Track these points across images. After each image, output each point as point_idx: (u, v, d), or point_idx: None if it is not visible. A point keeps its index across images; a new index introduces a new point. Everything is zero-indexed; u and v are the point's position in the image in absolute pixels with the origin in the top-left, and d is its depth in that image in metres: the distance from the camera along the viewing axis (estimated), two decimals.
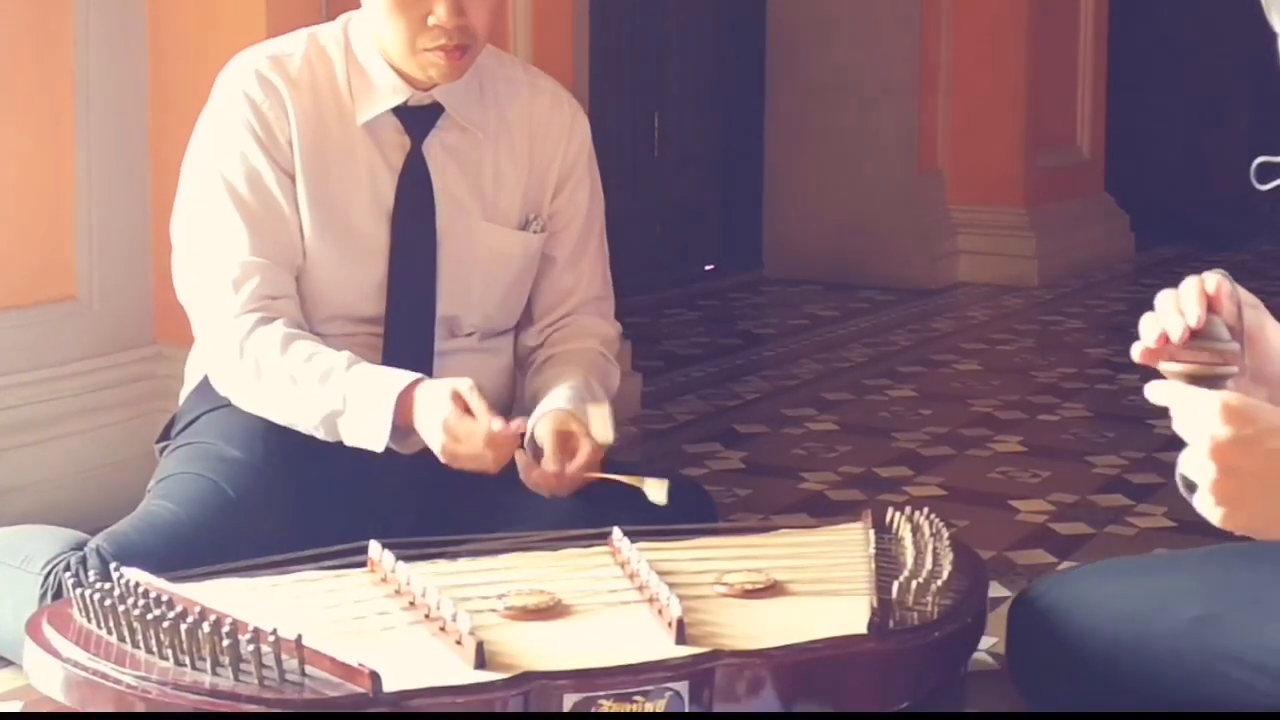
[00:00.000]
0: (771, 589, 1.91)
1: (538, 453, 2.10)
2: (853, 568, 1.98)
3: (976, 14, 5.65)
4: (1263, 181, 1.57)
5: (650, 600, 1.83)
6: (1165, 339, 1.47)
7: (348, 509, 2.18)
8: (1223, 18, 6.36)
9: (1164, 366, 1.45)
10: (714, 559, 2.00)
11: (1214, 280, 1.51)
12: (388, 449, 2.09)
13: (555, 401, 2.16)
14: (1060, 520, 2.89)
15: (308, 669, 1.63)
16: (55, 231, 2.84)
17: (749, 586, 1.90)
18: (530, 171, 2.33)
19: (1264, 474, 1.30)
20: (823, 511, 2.89)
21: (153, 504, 2.14)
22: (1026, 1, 5.64)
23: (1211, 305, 1.49)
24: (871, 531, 2.09)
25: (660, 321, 4.89)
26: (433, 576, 1.87)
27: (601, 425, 2.09)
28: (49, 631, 1.76)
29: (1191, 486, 1.33)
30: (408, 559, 1.91)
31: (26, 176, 2.79)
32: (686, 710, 1.68)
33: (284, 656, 1.63)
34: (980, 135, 5.68)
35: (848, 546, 2.07)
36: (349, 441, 2.11)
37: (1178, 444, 1.36)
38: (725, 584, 1.91)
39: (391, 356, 2.24)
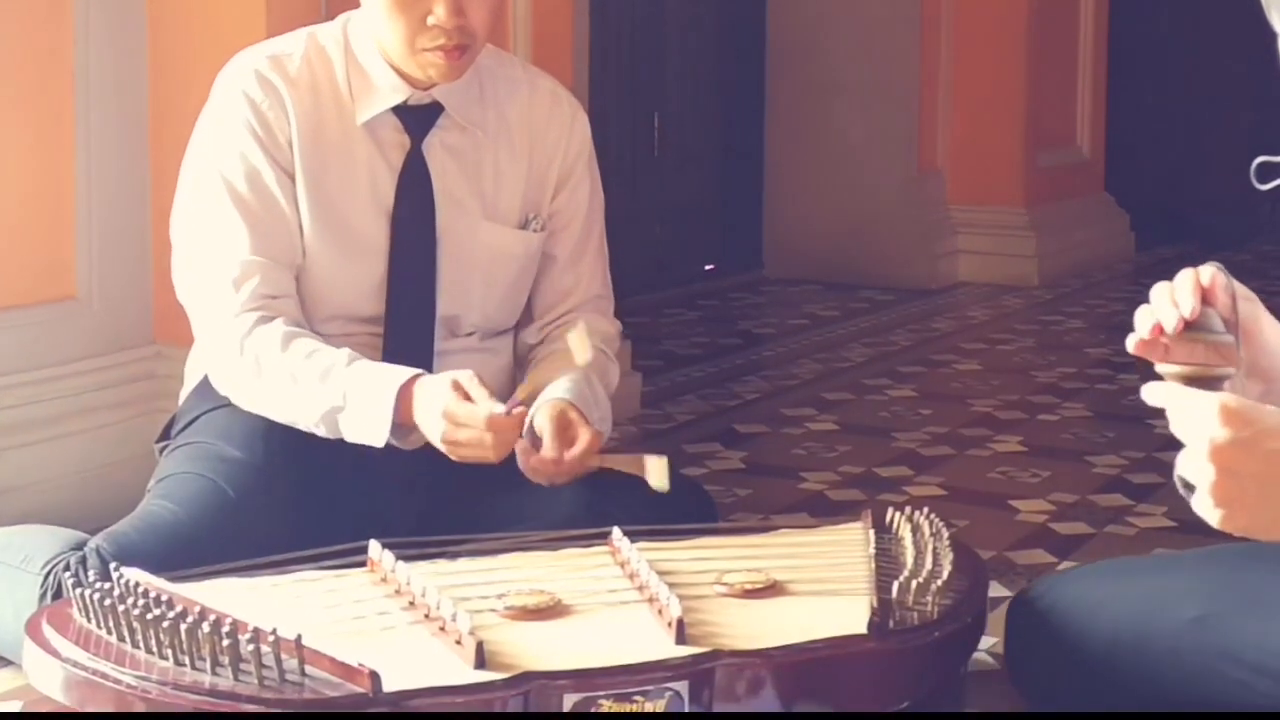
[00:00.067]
0: (771, 589, 1.91)
1: (537, 442, 2.10)
2: (853, 568, 1.98)
3: (976, 14, 5.65)
4: (1263, 181, 1.57)
5: (650, 600, 1.83)
6: (1159, 330, 1.48)
7: (348, 509, 2.18)
8: (1223, 18, 6.36)
9: (1161, 368, 1.45)
10: (714, 559, 2.00)
11: (1209, 272, 1.51)
12: (388, 445, 2.09)
13: (555, 391, 2.16)
14: (1060, 520, 2.89)
15: (307, 669, 1.63)
16: (55, 231, 2.84)
17: (749, 586, 1.90)
18: (530, 170, 2.33)
19: (1263, 475, 1.30)
20: (823, 511, 2.89)
21: (152, 504, 2.14)
22: (1026, 2, 5.64)
23: (1206, 297, 1.49)
24: (871, 531, 2.09)
25: (660, 321, 4.89)
26: (433, 576, 1.87)
27: (658, 473, 2.08)
28: (49, 631, 1.76)
29: (1190, 487, 1.33)
30: (408, 559, 1.91)
31: (26, 176, 2.79)
32: (686, 710, 1.68)
33: (284, 656, 1.63)
34: (980, 135, 5.68)
35: (848, 546, 2.07)
36: (350, 438, 2.11)
37: (1177, 444, 1.35)
38: (725, 584, 1.91)
39: (391, 356, 2.24)
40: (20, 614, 1.91)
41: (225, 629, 1.64)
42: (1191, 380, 1.42)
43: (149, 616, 1.67)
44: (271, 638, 1.63)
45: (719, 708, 1.70)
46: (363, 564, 1.93)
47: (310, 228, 2.22)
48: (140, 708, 1.62)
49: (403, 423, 2.08)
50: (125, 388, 2.92)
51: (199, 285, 2.21)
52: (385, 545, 1.91)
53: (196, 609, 1.71)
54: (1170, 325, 1.47)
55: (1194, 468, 1.31)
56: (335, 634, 1.72)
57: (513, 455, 2.06)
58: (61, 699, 1.71)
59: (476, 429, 2.01)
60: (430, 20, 2.15)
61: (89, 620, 1.75)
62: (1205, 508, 1.32)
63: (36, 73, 2.79)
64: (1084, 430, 3.58)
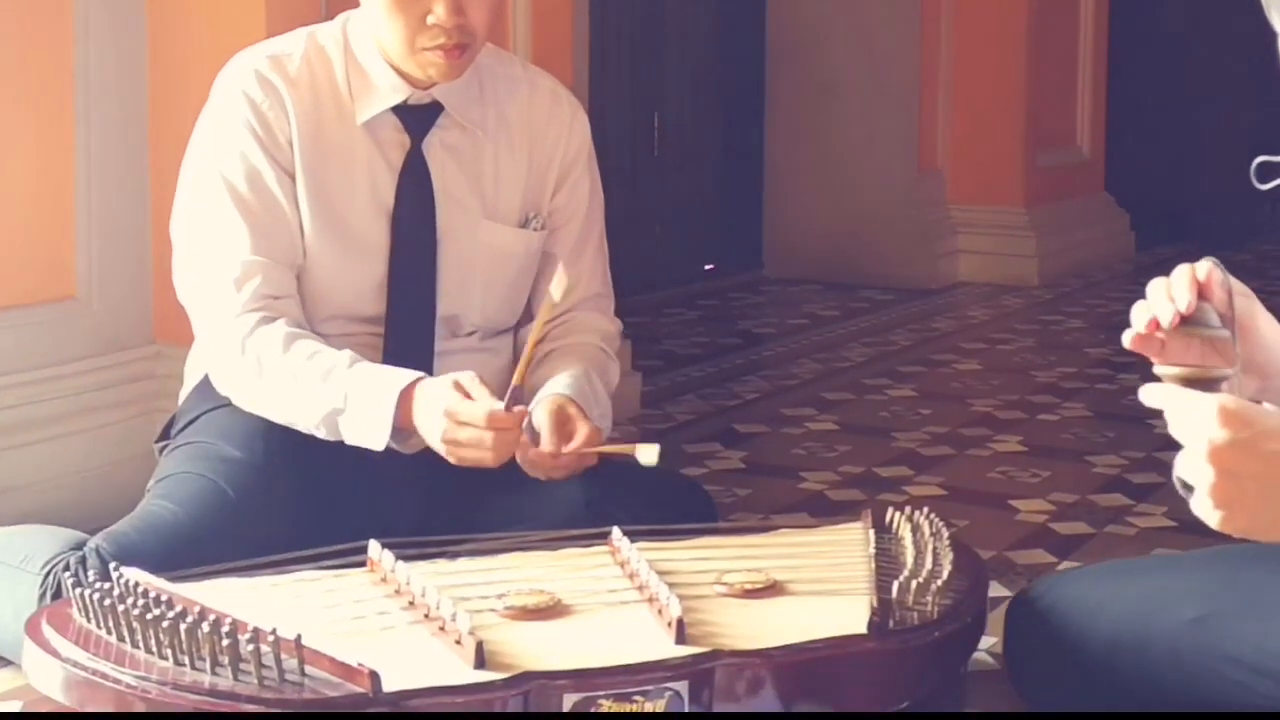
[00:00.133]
0: (771, 589, 1.91)
1: (535, 437, 2.10)
2: (853, 567, 1.98)
3: (976, 14, 5.65)
4: (1263, 181, 1.57)
5: (650, 600, 1.83)
6: (1155, 325, 1.48)
7: (348, 508, 2.18)
8: (1223, 18, 6.36)
9: (1159, 369, 1.45)
10: (714, 559, 2.00)
11: (1205, 267, 1.51)
12: (388, 448, 2.09)
13: (554, 387, 2.16)
14: (1060, 520, 2.89)
15: (307, 669, 1.63)
16: (55, 231, 2.84)
17: (749, 586, 1.90)
18: (530, 169, 2.33)
19: (1262, 477, 1.30)
20: (823, 511, 2.89)
21: (152, 504, 2.14)
22: (1026, 2, 5.64)
23: (1203, 292, 1.50)
24: (871, 531, 2.09)
25: (660, 321, 4.89)
26: (432, 576, 1.87)
27: (649, 453, 2.08)
28: (48, 631, 1.76)
29: (1189, 488, 1.33)
30: (407, 559, 1.91)
31: (26, 176, 2.79)
32: (686, 710, 1.68)
33: (283, 656, 1.63)
34: (980, 135, 5.68)
35: (847, 546, 2.07)
36: (350, 440, 2.11)
37: (1177, 444, 1.35)
38: (725, 584, 1.91)
39: (392, 356, 2.24)
40: (20, 614, 1.91)
41: (225, 629, 1.64)
42: (1190, 381, 1.42)
43: (149, 616, 1.67)
44: (271, 638, 1.63)
45: (719, 708, 1.70)
46: (362, 564, 1.93)
47: (310, 228, 2.22)
48: (140, 708, 1.62)
49: (403, 426, 2.07)
50: (125, 387, 2.92)
51: (200, 285, 2.21)
52: (385, 545, 1.91)
53: (196, 609, 1.71)
54: (1166, 320, 1.47)
55: (1193, 469, 1.31)
56: (335, 634, 1.72)
57: (510, 458, 2.06)
58: (61, 699, 1.71)
59: (477, 427, 2.00)
60: (430, 19, 2.15)
61: (89, 620, 1.75)
62: (1204, 509, 1.32)
63: (36, 73, 2.79)
64: (1084, 430, 3.58)
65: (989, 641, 2.11)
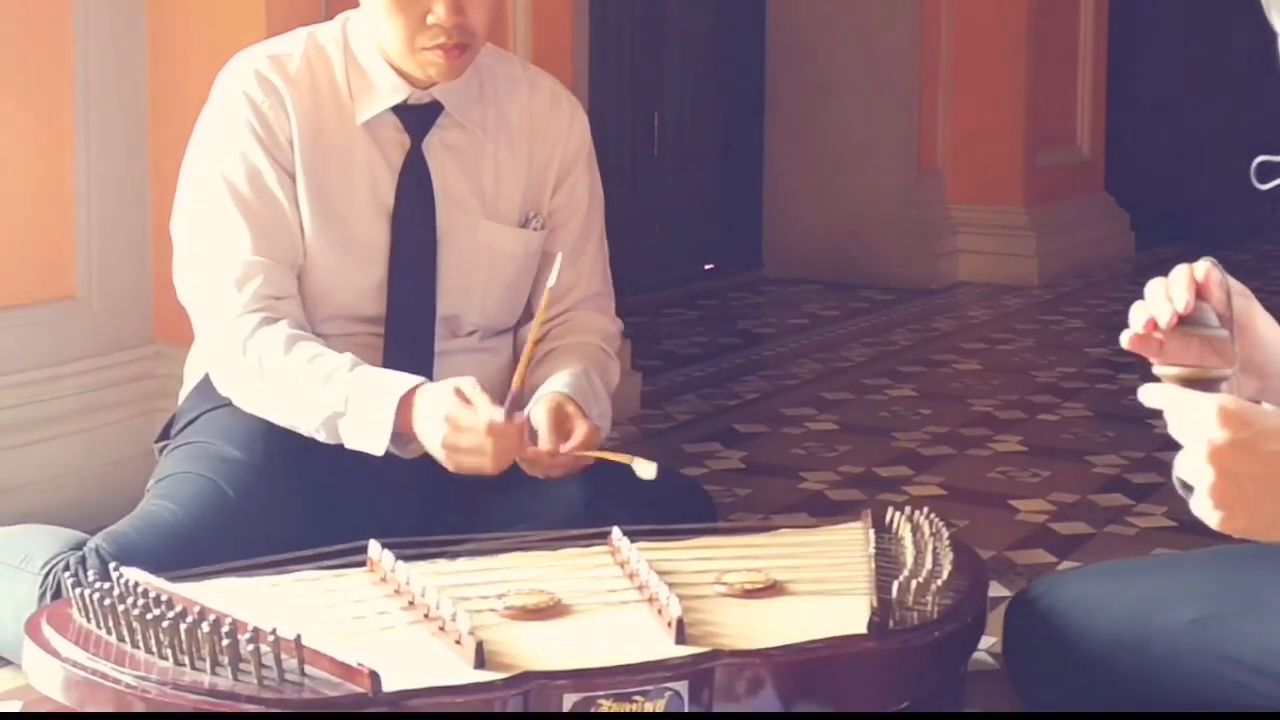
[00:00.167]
0: (771, 589, 1.91)
1: (533, 435, 2.10)
2: (852, 567, 1.98)
3: (976, 14, 5.65)
4: (1263, 181, 1.58)
5: (650, 600, 1.83)
6: (1154, 325, 1.48)
7: (348, 509, 2.17)
8: (1223, 18, 6.36)
9: (1159, 369, 1.45)
10: (714, 559, 2.00)
11: (1203, 268, 1.51)
12: (387, 453, 2.09)
13: (553, 386, 2.16)
14: (1060, 520, 2.89)
15: (307, 669, 1.63)
16: (55, 231, 2.84)
17: (749, 586, 1.90)
18: (530, 169, 2.33)
19: (1262, 477, 1.30)
20: (823, 511, 2.89)
21: (152, 504, 2.14)
22: (1026, 2, 5.64)
23: (1201, 292, 1.50)
24: (871, 531, 2.09)
25: (660, 321, 4.89)
26: (432, 576, 1.87)
27: (646, 469, 2.07)
28: (48, 631, 1.76)
29: (1189, 488, 1.33)
30: (407, 558, 1.91)
31: (26, 176, 2.79)
32: (686, 710, 1.68)
33: (283, 656, 1.63)
34: (980, 135, 5.68)
35: (847, 546, 2.07)
36: (349, 444, 2.10)
37: (1177, 444, 1.35)
38: (725, 584, 1.91)
39: (392, 356, 2.24)
40: (20, 614, 1.91)
41: (225, 629, 1.64)
42: (1189, 382, 1.42)
43: (148, 616, 1.67)
44: (271, 637, 1.63)
45: (719, 708, 1.70)
46: (362, 564, 1.93)
47: (310, 228, 2.21)
48: (140, 707, 1.62)
49: (403, 431, 2.07)
50: (125, 387, 2.92)
51: (201, 285, 2.21)
52: (385, 545, 1.91)
53: (196, 609, 1.71)
54: (1164, 320, 1.48)
55: (1193, 469, 1.31)
56: (335, 634, 1.72)
57: (509, 465, 2.06)
58: (61, 699, 1.71)
59: (477, 434, 2.01)
60: (430, 19, 2.15)
61: (88, 620, 1.75)
62: (1204, 509, 1.32)
63: (36, 73, 2.79)
64: (1084, 430, 3.58)
65: (989, 641, 2.11)
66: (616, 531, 2.00)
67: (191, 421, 2.27)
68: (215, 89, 2.25)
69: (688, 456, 3.33)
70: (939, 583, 1.89)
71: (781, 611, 1.85)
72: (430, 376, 2.23)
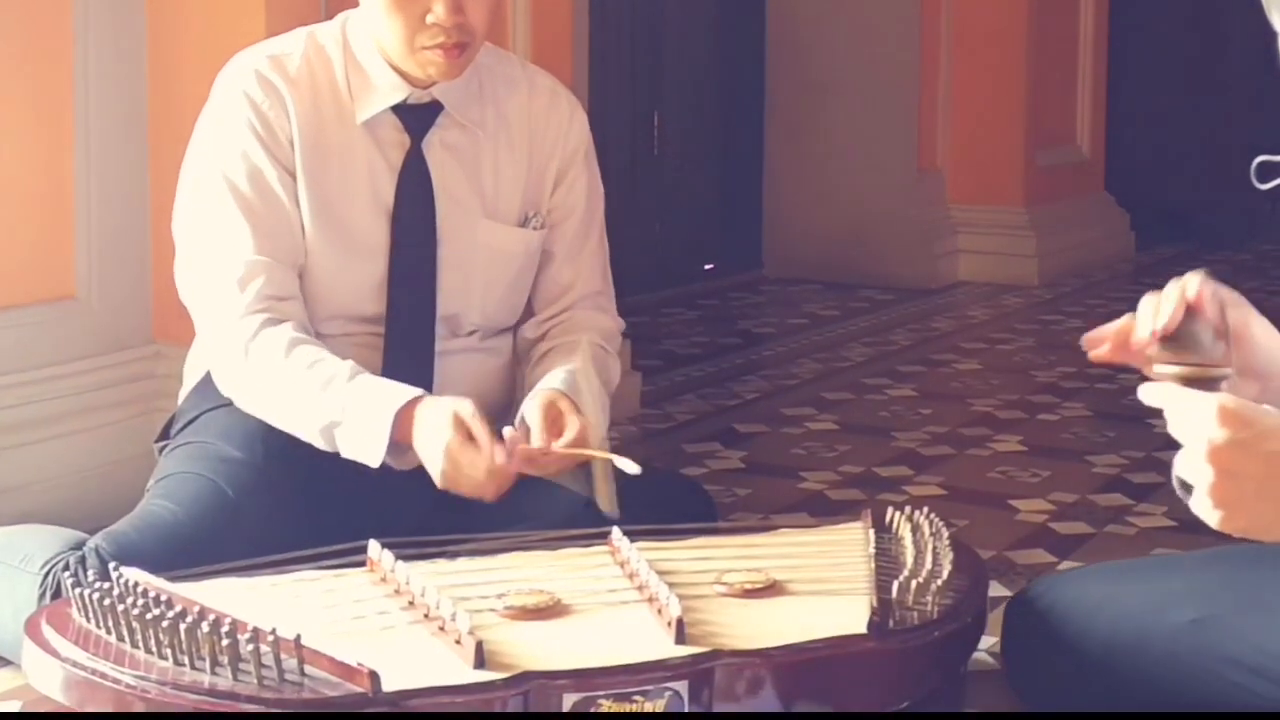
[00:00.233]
0: (771, 589, 1.91)
1: (526, 431, 2.09)
2: (852, 567, 1.98)
3: (976, 14, 5.65)
4: (1263, 181, 1.58)
5: (650, 600, 1.83)
6: (1123, 339, 1.50)
7: (347, 509, 2.17)
8: (1223, 17, 6.36)
9: (1158, 369, 1.45)
10: (714, 559, 2.00)
11: (1195, 284, 1.51)
12: (383, 464, 2.09)
13: (548, 382, 2.16)
14: (1060, 520, 2.89)
15: (307, 668, 1.63)
16: (54, 231, 2.84)
17: (749, 586, 1.90)
18: (529, 168, 2.33)
19: (1262, 476, 1.29)
20: (823, 511, 2.89)
21: (152, 503, 2.14)
22: (1026, 2, 5.64)
23: (1194, 310, 1.50)
24: (871, 531, 2.09)
25: (660, 321, 4.89)
26: (432, 576, 1.87)
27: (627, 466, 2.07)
28: (48, 631, 1.75)
29: (1188, 488, 1.33)
30: (407, 558, 1.91)
31: (26, 176, 2.79)
32: (686, 710, 1.68)
33: (283, 656, 1.63)
34: (980, 135, 5.68)
35: (847, 546, 2.07)
36: (345, 453, 2.10)
37: (1177, 443, 1.35)
38: (725, 584, 1.91)
39: (392, 355, 2.24)
40: (19, 614, 1.91)
41: (225, 629, 1.64)
42: (1189, 381, 1.42)
43: (148, 616, 1.67)
44: (271, 637, 1.63)
45: (719, 708, 1.70)
46: (362, 564, 1.93)
47: (311, 227, 2.21)
48: (139, 707, 1.62)
49: (400, 440, 2.07)
50: (125, 387, 2.92)
51: (203, 285, 2.20)
52: (385, 545, 1.91)
53: (196, 609, 1.71)
54: (1143, 334, 1.49)
55: (1193, 469, 1.31)
56: (334, 634, 1.72)
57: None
58: (61, 699, 1.71)
59: (478, 476, 2.01)
60: (429, 19, 2.15)
61: (88, 620, 1.75)
62: (1204, 509, 1.31)
63: (36, 73, 2.79)
64: (1084, 430, 3.58)
65: (989, 641, 2.11)
66: (616, 531, 2.00)
67: (191, 421, 2.27)
68: (215, 89, 2.25)
69: (688, 456, 3.33)
70: (939, 583, 1.89)
71: (781, 611, 1.85)
72: (430, 376, 2.24)
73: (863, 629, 1.78)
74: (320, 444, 2.12)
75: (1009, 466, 3.26)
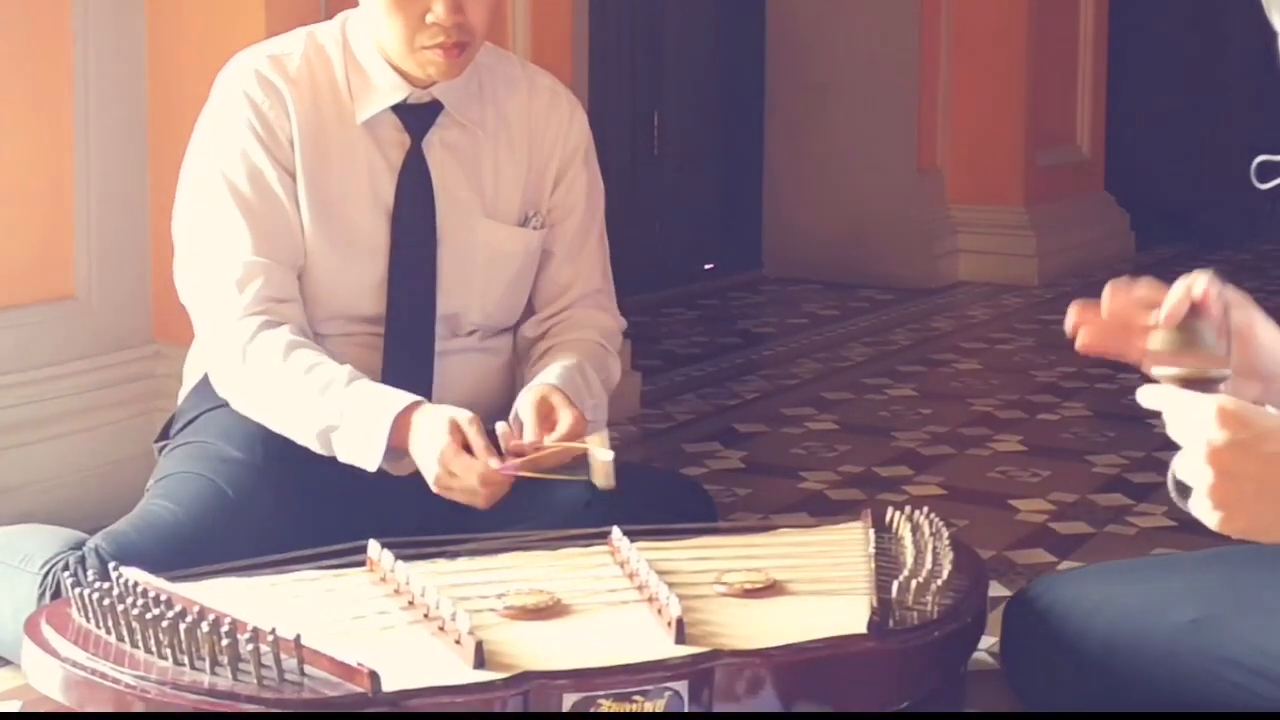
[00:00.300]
0: (771, 589, 1.91)
1: (519, 426, 2.09)
2: (852, 567, 1.98)
3: (976, 14, 5.65)
4: (1263, 181, 1.57)
5: (650, 600, 1.83)
6: (1116, 324, 1.50)
7: (347, 509, 2.17)
8: (1223, 17, 6.36)
9: (1157, 371, 1.45)
10: (714, 559, 2.00)
11: (1202, 283, 1.51)
12: (380, 469, 2.09)
13: (543, 378, 2.16)
14: (1060, 520, 2.89)
15: (307, 668, 1.63)
16: (54, 230, 2.84)
17: (748, 586, 1.90)
18: (529, 168, 2.33)
19: (1261, 478, 1.29)
20: (823, 511, 2.89)
21: (152, 503, 2.14)
22: (1026, 2, 5.64)
23: (1199, 309, 1.49)
24: (871, 531, 2.09)
25: (660, 321, 4.89)
26: (432, 576, 1.87)
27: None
28: (47, 631, 1.75)
29: (1184, 490, 1.33)
30: (407, 558, 1.91)
31: (26, 175, 2.79)
32: (686, 710, 1.68)
33: (283, 656, 1.63)
34: (980, 135, 5.68)
35: (847, 546, 2.07)
36: (342, 458, 2.10)
37: (1176, 443, 1.35)
38: (725, 584, 1.91)
39: (392, 355, 2.24)
40: (19, 613, 1.91)
41: (224, 629, 1.64)
42: (1188, 382, 1.42)
43: (148, 616, 1.67)
44: (271, 637, 1.62)
45: (719, 708, 1.70)
46: (362, 564, 1.93)
47: (310, 228, 2.21)
48: (139, 707, 1.61)
49: (397, 446, 2.07)
50: (124, 387, 2.92)
51: (202, 286, 2.20)
52: (384, 545, 1.91)
53: (195, 609, 1.71)
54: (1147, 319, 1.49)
55: (1192, 470, 1.31)
56: (334, 634, 1.72)
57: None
58: (60, 699, 1.71)
59: (471, 483, 2.01)
60: (429, 18, 2.15)
61: (88, 620, 1.75)
62: (1204, 510, 1.31)
63: (36, 73, 2.79)
64: (1084, 430, 3.58)
65: (989, 641, 2.11)
66: (616, 531, 2.00)
67: (191, 421, 2.27)
68: (215, 89, 2.25)
69: (688, 456, 3.33)
70: (939, 583, 1.89)
71: (781, 611, 1.85)
72: (430, 376, 2.24)
73: (863, 629, 1.78)
74: (317, 448, 2.12)
75: (1009, 466, 3.26)
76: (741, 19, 5.72)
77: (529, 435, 2.06)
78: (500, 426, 2.07)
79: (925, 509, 2.11)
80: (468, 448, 2.02)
